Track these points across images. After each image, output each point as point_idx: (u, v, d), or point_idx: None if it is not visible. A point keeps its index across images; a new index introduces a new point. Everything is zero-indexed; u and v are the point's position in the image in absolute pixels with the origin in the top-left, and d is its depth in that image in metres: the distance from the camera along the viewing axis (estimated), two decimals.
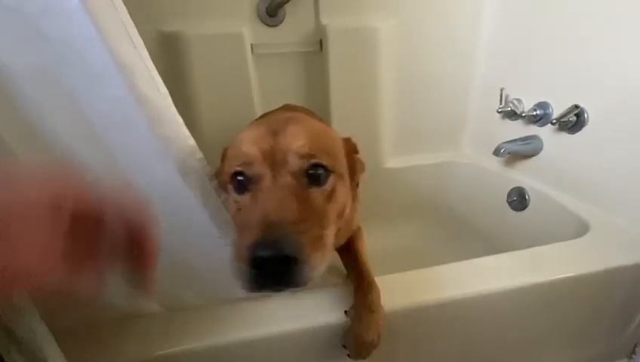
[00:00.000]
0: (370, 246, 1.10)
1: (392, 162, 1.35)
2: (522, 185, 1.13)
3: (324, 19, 1.12)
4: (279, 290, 0.33)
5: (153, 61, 1.15)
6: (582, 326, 0.83)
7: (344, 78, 1.17)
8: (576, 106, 0.92)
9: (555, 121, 0.95)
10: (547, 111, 1.03)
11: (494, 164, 1.23)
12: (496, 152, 1.09)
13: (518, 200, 1.14)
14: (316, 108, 1.07)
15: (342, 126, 1.10)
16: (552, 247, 0.80)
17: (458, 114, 1.34)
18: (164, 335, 0.60)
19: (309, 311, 0.64)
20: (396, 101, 1.27)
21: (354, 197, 0.52)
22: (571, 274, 0.73)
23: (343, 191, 0.43)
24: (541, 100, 1.05)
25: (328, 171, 0.41)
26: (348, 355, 0.60)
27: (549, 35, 1.01)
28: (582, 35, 0.92)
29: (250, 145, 0.38)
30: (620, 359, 0.89)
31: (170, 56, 1.08)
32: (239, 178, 0.40)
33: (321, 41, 1.15)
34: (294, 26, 1.13)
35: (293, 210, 0.34)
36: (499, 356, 0.81)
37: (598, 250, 0.78)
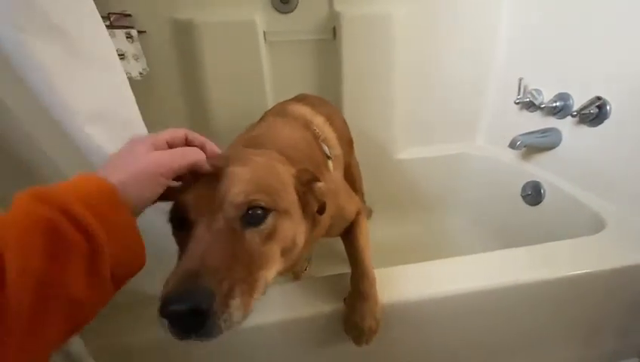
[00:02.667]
0: (380, 237, 1.11)
1: (404, 153, 1.33)
2: (538, 179, 1.10)
3: (338, 6, 1.10)
4: (192, 339, 0.31)
5: (167, 48, 1.17)
6: (593, 324, 0.81)
7: (357, 66, 1.16)
8: (599, 98, 0.88)
9: (575, 113, 0.92)
10: (567, 102, 0.99)
11: (510, 156, 1.20)
12: (512, 145, 1.06)
13: (533, 194, 1.11)
14: (328, 97, 1.07)
15: (353, 115, 1.10)
16: (567, 243, 0.78)
17: (474, 104, 1.31)
18: None
19: (312, 298, 0.65)
20: (410, 90, 1.24)
21: (316, 221, 0.51)
22: (585, 271, 0.71)
23: (287, 227, 0.42)
24: (562, 91, 1.01)
25: (267, 210, 0.40)
26: (353, 341, 0.61)
27: (572, 23, 0.97)
28: (606, 23, 0.87)
29: (188, 192, 0.37)
30: (630, 358, 0.88)
31: (184, 44, 1.09)
32: (178, 217, 0.40)
33: (334, 29, 1.13)
34: (307, 13, 1.12)
35: (216, 258, 0.34)
36: (507, 350, 0.81)
37: (613, 247, 0.76)
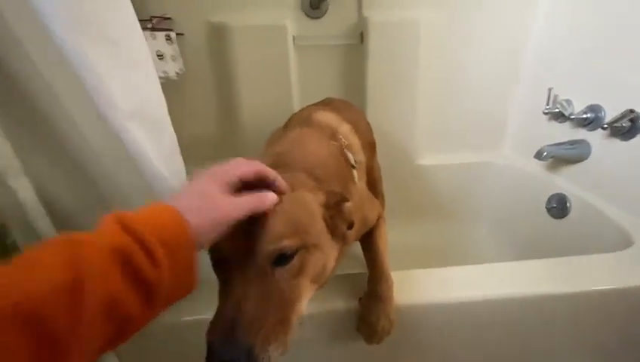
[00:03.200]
0: (398, 242, 1.11)
1: (427, 159, 1.33)
2: (564, 192, 1.07)
3: (366, 12, 1.13)
4: None
5: (203, 50, 1.24)
6: (614, 344, 0.79)
7: (383, 72, 1.18)
8: (632, 111, 0.86)
9: (607, 125, 0.89)
10: (599, 114, 0.97)
11: (536, 167, 1.18)
12: (539, 155, 1.04)
13: (559, 207, 1.09)
14: (353, 101, 1.09)
15: (377, 119, 1.12)
16: (591, 258, 0.77)
17: (500, 113, 1.29)
18: (193, 301, 0.65)
19: (327, 295, 0.66)
20: (435, 96, 1.25)
21: (345, 239, 0.53)
22: (607, 288, 0.70)
23: (317, 258, 0.45)
24: (593, 103, 0.98)
25: (295, 250, 0.42)
26: (364, 340, 0.63)
27: (606, 33, 0.94)
28: None
29: (223, 240, 0.39)
30: None
31: (218, 46, 1.15)
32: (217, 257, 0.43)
33: (361, 34, 1.15)
34: (336, 18, 1.15)
35: (251, 307, 0.37)
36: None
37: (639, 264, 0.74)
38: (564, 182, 1.09)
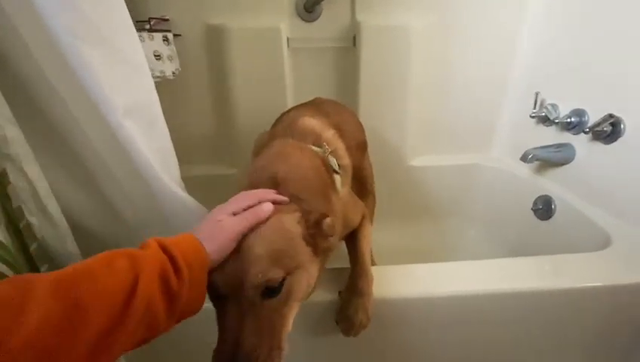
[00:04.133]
0: (387, 241, 1.14)
1: (417, 160, 1.36)
2: (549, 194, 1.10)
3: (359, 16, 1.16)
4: None
5: (199, 51, 1.26)
6: (596, 340, 0.81)
7: (375, 74, 1.20)
8: (611, 116, 0.88)
9: (588, 129, 0.92)
10: (583, 119, 0.99)
11: (523, 170, 1.20)
12: (524, 158, 1.06)
13: (544, 208, 1.11)
14: (345, 103, 1.12)
15: (369, 121, 1.14)
16: (572, 257, 0.79)
17: (489, 116, 1.32)
18: None
19: None
20: (426, 99, 1.27)
21: (327, 250, 0.55)
22: (588, 285, 0.72)
23: (301, 280, 0.49)
24: (577, 107, 1.01)
25: (282, 280, 0.46)
26: (341, 332, 0.65)
27: (593, 39, 0.97)
28: (627, 41, 0.88)
29: (217, 271, 0.44)
30: None
31: (214, 47, 1.17)
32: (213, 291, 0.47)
33: (354, 37, 1.18)
34: (330, 21, 1.18)
35: (245, 339, 0.42)
36: (500, 358, 0.82)
37: (618, 263, 0.76)
38: (550, 184, 1.12)
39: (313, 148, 0.69)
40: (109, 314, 0.32)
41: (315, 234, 0.50)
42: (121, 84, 0.55)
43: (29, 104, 0.57)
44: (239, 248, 0.45)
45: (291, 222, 0.49)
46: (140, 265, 0.36)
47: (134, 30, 0.58)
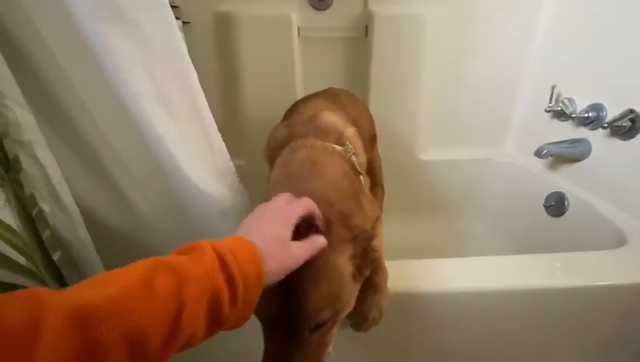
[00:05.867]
0: (396, 235, 1.13)
1: (428, 154, 1.34)
2: (562, 191, 1.08)
3: (372, 5, 1.13)
4: None
5: (208, 39, 1.25)
6: (607, 339, 0.80)
7: (387, 66, 1.18)
8: (632, 111, 0.86)
9: (607, 124, 0.90)
10: (601, 114, 0.97)
11: (536, 165, 1.18)
12: (538, 153, 1.05)
13: (557, 205, 1.09)
14: (356, 92, 1.10)
15: (380, 113, 1.12)
16: (585, 255, 0.78)
17: (503, 110, 1.29)
18: None
19: None
20: (438, 92, 1.25)
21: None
22: (601, 284, 0.71)
23: (345, 313, 0.51)
24: (595, 102, 0.98)
25: (330, 318, 0.47)
26: (351, 325, 0.64)
27: (612, 33, 0.94)
28: None
29: (264, 303, 0.41)
30: None
31: (224, 35, 1.16)
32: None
33: (366, 27, 1.15)
34: (342, 10, 1.15)
35: None
36: (514, 356, 0.81)
37: (632, 262, 0.75)
38: (563, 180, 1.10)
39: (337, 148, 0.68)
40: (143, 354, 0.27)
41: (361, 264, 0.51)
42: (147, 70, 0.54)
43: (41, 89, 0.56)
44: (292, 279, 0.43)
45: (345, 263, 0.49)
46: (186, 289, 0.29)
47: (172, 16, 0.55)
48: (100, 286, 0.27)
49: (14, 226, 0.50)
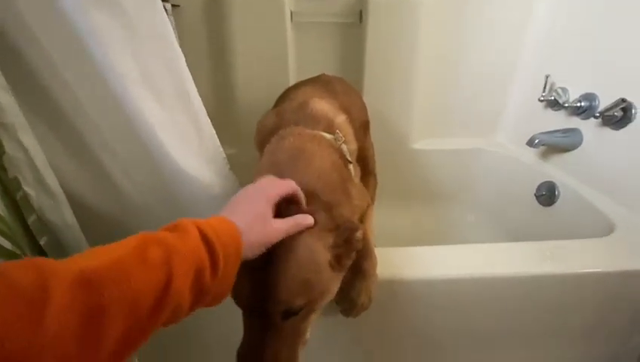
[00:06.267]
0: (388, 223, 1.14)
1: (420, 143, 1.34)
2: (553, 180, 1.09)
3: None
4: None
5: (198, 23, 1.22)
6: (595, 325, 0.81)
7: (381, 52, 1.17)
8: (623, 100, 0.86)
9: (598, 114, 0.90)
10: (593, 103, 0.97)
11: (528, 155, 1.19)
12: (530, 143, 1.05)
13: (547, 195, 1.10)
14: (350, 80, 1.08)
15: (373, 100, 1.12)
16: (573, 243, 0.79)
17: (497, 99, 1.29)
18: None
19: None
20: (432, 80, 1.24)
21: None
22: (589, 271, 0.72)
23: (322, 301, 0.50)
24: (588, 91, 0.98)
25: (303, 306, 0.47)
26: (340, 311, 0.65)
27: (606, 22, 0.93)
28: None
29: (241, 289, 0.44)
30: None
31: (214, 19, 1.13)
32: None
33: (361, 13, 1.14)
34: None
35: (266, 352, 0.45)
36: (504, 341, 0.82)
37: (619, 250, 0.76)
38: (554, 170, 1.10)
39: (326, 136, 0.67)
40: (134, 319, 0.29)
41: (342, 254, 0.51)
42: (133, 54, 0.53)
43: (24, 73, 0.55)
44: (268, 266, 0.44)
45: (322, 252, 0.49)
46: (174, 260, 0.32)
47: (160, 3, 0.55)
48: (100, 256, 0.30)
49: None
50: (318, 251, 0.48)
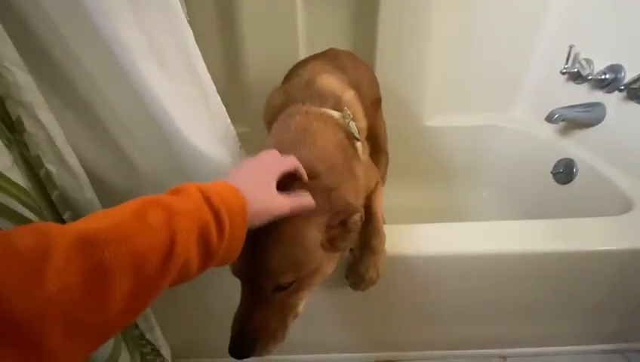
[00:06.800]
0: (401, 201, 1.14)
1: (434, 120, 1.31)
2: (572, 157, 1.05)
3: None
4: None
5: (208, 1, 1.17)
6: (605, 302, 0.81)
7: (394, 25, 1.12)
8: None
9: (623, 86, 0.85)
10: (619, 75, 0.92)
11: (547, 131, 1.14)
12: (549, 118, 1.01)
13: (565, 172, 1.07)
14: (361, 55, 1.06)
15: (386, 76, 1.09)
16: (590, 220, 0.77)
17: (515, 72, 1.23)
18: None
19: None
20: (447, 54, 1.19)
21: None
22: (603, 248, 0.71)
23: (312, 280, 0.52)
24: (614, 63, 0.93)
25: (291, 282, 0.49)
26: (350, 285, 0.67)
27: None
28: None
29: (237, 261, 0.44)
30: (637, 342, 0.88)
31: None
32: None
33: None
34: None
35: (255, 320, 0.48)
36: (513, 317, 0.84)
37: (635, 229, 0.74)
38: (574, 146, 1.07)
39: (334, 114, 0.66)
40: (139, 278, 0.30)
41: (335, 236, 0.51)
42: (141, 28, 0.53)
43: (38, 51, 0.56)
44: (261, 241, 0.46)
45: (313, 232, 0.50)
46: (176, 219, 0.32)
47: None
48: (100, 219, 0.31)
49: (25, 186, 0.52)
50: (309, 232, 0.49)
